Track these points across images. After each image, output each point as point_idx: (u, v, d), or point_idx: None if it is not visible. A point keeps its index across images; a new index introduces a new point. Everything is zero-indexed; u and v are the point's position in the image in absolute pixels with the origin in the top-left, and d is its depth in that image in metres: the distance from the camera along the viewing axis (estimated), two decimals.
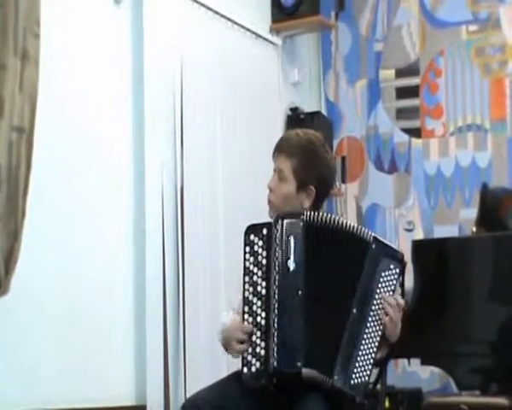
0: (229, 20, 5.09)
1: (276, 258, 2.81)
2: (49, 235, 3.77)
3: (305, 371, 2.73)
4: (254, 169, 4.93)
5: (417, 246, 4.51)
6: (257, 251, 2.84)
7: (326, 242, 2.83)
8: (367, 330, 2.77)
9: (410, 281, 4.62)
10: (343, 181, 6.02)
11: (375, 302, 2.80)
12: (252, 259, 2.83)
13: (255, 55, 5.39)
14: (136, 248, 4.30)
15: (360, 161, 6.02)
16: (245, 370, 2.77)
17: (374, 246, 2.83)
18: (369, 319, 2.78)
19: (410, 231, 5.78)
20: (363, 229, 2.86)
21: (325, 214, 2.86)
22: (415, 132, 5.86)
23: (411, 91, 5.88)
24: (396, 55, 5.95)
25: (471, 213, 5.14)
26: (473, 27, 5.72)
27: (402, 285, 2.88)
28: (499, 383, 4.20)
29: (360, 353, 2.75)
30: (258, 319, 2.80)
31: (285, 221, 2.83)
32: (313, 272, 2.80)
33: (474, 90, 5.69)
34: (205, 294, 4.57)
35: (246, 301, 2.82)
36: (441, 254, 4.43)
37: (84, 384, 3.90)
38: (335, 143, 6.05)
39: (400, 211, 5.85)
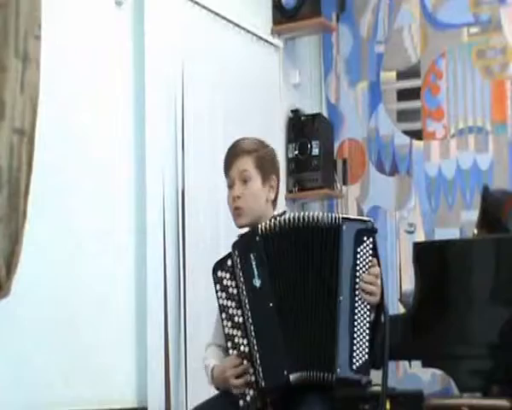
0: (231, 22, 5.09)
1: (243, 282, 2.83)
2: (50, 237, 3.77)
3: (292, 377, 2.74)
4: None
5: (418, 248, 4.51)
6: (226, 285, 2.88)
7: (288, 245, 2.82)
8: (356, 311, 2.75)
9: (411, 283, 4.63)
10: (344, 183, 6.02)
11: (357, 280, 2.77)
12: (224, 294, 2.88)
13: (256, 57, 5.39)
14: (137, 251, 4.29)
15: (361, 163, 6.02)
16: (241, 403, 2.81)
17: (345, 227, 2.80)
18: (356, 299, 2.76)
19: (411, 233, 5.78)
20: (329, 215, 2.83)
21: (282, 218, 2.86)
22: (416, 134, 5.86)
23: (412, 93, 5.88)
24: (397, 57, 5.95)
25: (472, 215, 5.15)
26: (474, 29, 5.72)
27: (376, 253, 2.83)
28: (500, 385, 4.20)
29: (355, 335, 2.73)
30: (242, 348, 2.83)
31: (242, 243, 2.88)
32: (280, 279, 2.80)
33: (475, 92, 5.69)
34: (206, 297, 4.56)
35: (227, 337, 2.87)
36: (442, 257, 4.43)
37: (85, 387, 3.89)
38: (336, 145, 6.05)
39: (401, 213, 5.85)
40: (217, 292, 2.90)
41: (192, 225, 4.53)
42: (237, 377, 2.81)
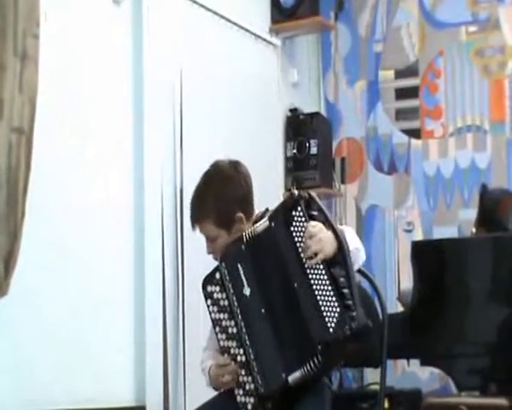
0: (229, 20, 5.09)
1: (233, 292, 2.86)
2: (48, 236, 3.76)
3: (290, 378, 2.73)
4: (254, 170, 4.91)
5: (417, 247, 4.52)
6: (217, 298, 2.91)
7: (264, 250, 2.84)
8: (314, 285, 2.71)
9: (409, 282, 4.63)
10: (342, 182, 6.02)
11: (301, 255, 2.74)
12: (215, 308, 2.91)
13: (254, 55, 5.39)
14: (135, 250, 4.29)
15: (359, 162, 6.02)
16: None
17: (273, 224, 2.82)
18: (308, 275, 2.72)
19: (409, 231, 5.78)
20: (263, 221, 2.87)
21: (256, 225, 2.88)
22: (414, 133, 5.86)
23: (411, 92, 5.88)
24: (395, 55, 5.95)
25: (470, 213, 5.14)
26: (472, 28, 5.72)
27: (310, 216, 2.78)
28: (498, 384, 4.20)
29: (321, 303, 2.68)
30: (238, 358, 2.86)
31: (228, 254, 2.89)
32: (265, 284, 2.83)
33: (474, 91, 5.69)
34: None
35: (223, 349, 2.89)
36: (440, 255, 4.44)
37: (83, 385, 3.89)
38: (335, 143, 6.05)
39: (400, 212, 5.85)
40: (208, 307, 2.93)
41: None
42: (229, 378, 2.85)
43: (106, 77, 4.21)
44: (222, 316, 2.89)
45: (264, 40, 5.51)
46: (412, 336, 4.32)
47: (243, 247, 2.86)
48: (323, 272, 2.70)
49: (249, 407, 2.81)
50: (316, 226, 2.73)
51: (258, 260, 2.85)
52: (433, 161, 5.77)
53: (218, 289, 2.90)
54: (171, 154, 4.52)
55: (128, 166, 4.32)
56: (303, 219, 2.76)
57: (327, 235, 2.72)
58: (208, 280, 2.94)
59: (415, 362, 4.74)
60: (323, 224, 2.75)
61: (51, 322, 3.76)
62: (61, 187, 3.88)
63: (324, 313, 2.67)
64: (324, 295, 2.68)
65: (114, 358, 4.14)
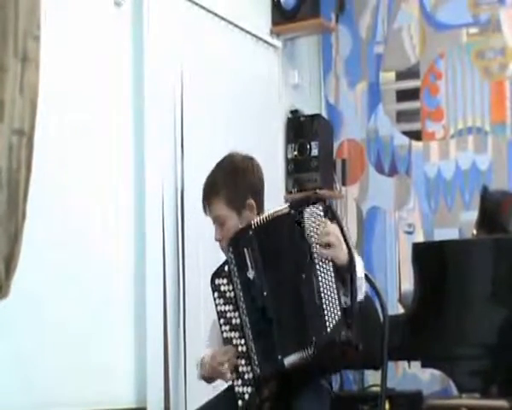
0: (230, 22, 5.09)
1: (237, 276, 2.87)
2: (49, 238, 3.77)
3: (286, 361, 2.75)
4: None
5: (417, 249, 4.52)
6: (224, 290, 2.92)
7: (274, 235, 2.86)
8: (320, 279, 2.75)
9: (410, 284, 4.63)
10: (343, 184, 6.02)
11: (314, 250, 2.78)
12: (221, 301, 2.92)
13: (255, 57, 5.39)
14: (136, 250, 4.29)
15: (360, 164, 6.02)
16: (240, 403, 2.83)
17: (292, 211, 2.84)
18: (317, 267, 2.76)
19: (410, 233, 5.78)
20: (282, 206, 2.89)
21: (270, 211, 2.90)
22: (415, 135, 5.86)
23: (412, 94, 5.88)
24: (396, 57, 5.95)
25: (471, 215, 5.14)
26: (473, 30, 5.72)
27: (332, 215, 2.84)
28: (499, 386, 4.20)
29: (323, 301, 2.72)
30: (240, 348, 2.87)
31: (236, 239, 2.91)
32: (271, 270, 2.84)
33: (475, 92, 5.69)
34: (205, 296, 4.55)
35: (226, 341, 2.90)
36: (441, 257, 4.43)
37: (84, 387, 3.89)
38: (336, 145, 6.05)
39: (400, 214, 5.85)
40: (215, 300, 2.93)
41: (191, 226, 4.53)
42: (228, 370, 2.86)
43: (106, 78, 4.22)
44: (227, 308, 2.90)
45: (265, 42, 5.51)
46: (413, 337, 4.32)
47: (251, 232, 2.87)
48: (332, 270, 2.75)
49: (246, 396, 2.82)
50: (335, 228, 2.79)
51: (266, 244, 2.85)
52: (434, 163, 5.78)
53: (225, 281, 2.91)
54: (172, 155, 4.52)
55: (129, 168, 4.32)
56: (322, 216, 2.80)
57: (342, 242, 2.77)
58: (217, 274, 2.95)
59: (416, 364, 4.73)
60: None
61: (52, 324, 3.76)
62: (61, 189, 3.88)
63: (325, 312, 2.70)
64: (328, 295, 2.72)
65: (115, 360, 4.14)
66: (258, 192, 3.09)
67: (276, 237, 2.87)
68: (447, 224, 5.66)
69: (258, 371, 2.79)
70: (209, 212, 3.10)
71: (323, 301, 2.71)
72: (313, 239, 2.79)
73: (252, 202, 3.04)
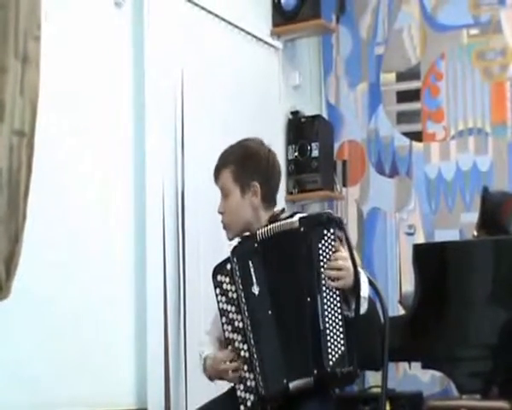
0: (230, 23, 5.09)
1: (241, 289, 2.87)
2: (49, 238, 3.76)
3: (292, 385, 2.77)
4: None
5: (418, 250, 4.51)
6: (226, 289, 2.92)
7: (279, 251, 2.86)
8: (326, 307, 2.75)
9: (411, 285, 4.63)
10: (344, 185, 6.02)
11: (323, 276, 2.78)
12: (224, 298, 2.92)
13: (256, 58, 5.39)
14: (137, 252, 4.29)
15: (361, 165, 6.02)
16: (242, 408, 2.84)
17: (302, 229, 2.82)
18: (324, 294, 2.76)
19: (410, 234, 5.78)
20: (291, 220, 2.89)
21: (277, 223, 2.90)
22: (416, 136, 5.86)
23: (412, 95, 5.88)
24: (397, 58, 5.95)
25: (472, 216, 5.14)
26: (474, 31, 5.72)
27: (342, 240, 2.84)
28: (500, 387, 4.20)
29: (328, 331, 2.73)
30: (242, 353, 2.88)
31: (240, 249, 2.92)
32: (275, 286, 2.84)
33: (475, 93, 5.69)
34: (206, 298, 4.55)
35: (227, 341, 2.91)
36: (442, 258, 4.43)
37: (85, 388, 3.89)
38: (336, 146, 6.05)
39: (401, 215, 5.85)
40: (217, 296, 2.94)
41: (192, 227, 4.53)
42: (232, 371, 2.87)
43: (107, 79, 4.21)
44: (229, 308, 2.90)
45: (266, 43, 5.51)
46: (414, 338, 4.32)
47: (256, 245, 2.88)
48: (338, 300, 2.75)
49: (249, 403, 2.83)
50: (346, 256, 2.79)
51: (271, 260, 2.86)
52: (435, 164, 5.78)
53: (227, 280, 2.91)
54: (173, 156, 4.52)
55: (129, 169, 4.32)
56: (332, 242, 2.79)
57: (350, 267, 2.78)
58: (219, 269, 2.95)
59: (416, 365, 4.72)
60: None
61: (52, 325, 3.75)
62: (62, 189, 3.88)
63: (328, 344, 2.72)
64: (334, 327, 2.73)
65: (115, 360, 4.13)
66: (266, 180, 3.08)
67: (283, 253, 2.86)
68: (448, 225, 5.66)
69: (263, 392, 2.80)
70: (216, 183, 3.13)
71: (327, 326, 2.72)
72: (322, 263, 2.78)
73: (257, 185, 3.03)
